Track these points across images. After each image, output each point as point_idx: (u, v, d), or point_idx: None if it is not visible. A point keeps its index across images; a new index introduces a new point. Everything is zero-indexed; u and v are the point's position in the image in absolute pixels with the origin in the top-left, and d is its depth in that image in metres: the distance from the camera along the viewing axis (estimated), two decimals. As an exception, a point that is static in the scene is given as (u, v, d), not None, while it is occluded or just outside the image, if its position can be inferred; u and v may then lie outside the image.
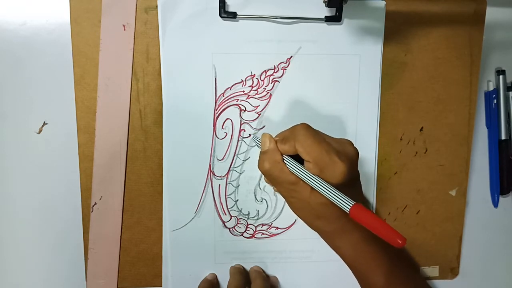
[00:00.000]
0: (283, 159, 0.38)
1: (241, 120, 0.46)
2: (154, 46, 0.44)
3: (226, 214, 0.47)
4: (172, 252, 0.47)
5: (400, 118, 0.48)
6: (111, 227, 0.46)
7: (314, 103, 0.46)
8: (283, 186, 0.38)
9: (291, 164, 0.37)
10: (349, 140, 0.39)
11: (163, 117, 0.45)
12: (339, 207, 0.34)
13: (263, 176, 0.45)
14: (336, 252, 0.40)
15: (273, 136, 0.39)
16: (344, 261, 0.40)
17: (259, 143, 0.40)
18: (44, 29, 0.44)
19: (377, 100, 0.47)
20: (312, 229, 0.40)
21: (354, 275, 0.41)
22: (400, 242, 0.30)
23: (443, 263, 0.51)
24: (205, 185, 0.46)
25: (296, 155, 0.37)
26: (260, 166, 0.39)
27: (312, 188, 0.36)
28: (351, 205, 0.33)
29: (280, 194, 0.40)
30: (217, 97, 0.45)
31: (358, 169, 0.39)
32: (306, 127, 0.37)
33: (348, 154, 0.37)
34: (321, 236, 0.40)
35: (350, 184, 0.37)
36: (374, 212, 0.48)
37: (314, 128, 0.37)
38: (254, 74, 0.45)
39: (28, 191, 0.46)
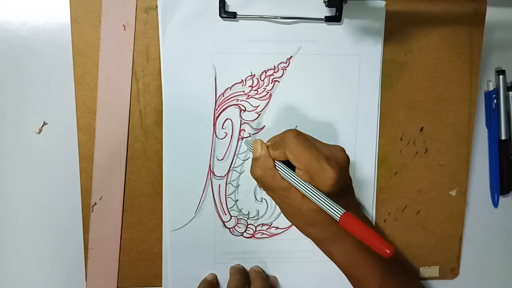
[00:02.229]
0: (275, 165, 0.38)
1: (241, 120, 0.46)
2: (154, 46, 0.44)
3: (226, 214, 0.47)
4: (172, 252, 0.47)
5: (400, 118, 0.48)
6: (111, 227, 0.46)
7: (314, 103, 0.46)
8: (275, 192, 0.38)
9: (283, 170, 0.37)
10: (340, 147, 0.39)
11: (163, 117, 0.45)
12: None
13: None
14: (330, 258, 0.40)
15: (265, 142, 0.39)
16: (338, 267, 0.40)
17: (251, 148, 0.40)
18: (44, 29, 0.44)
19: (377, 100, 0.47)
20: (306, 235, 0.40)
21: (349, 280, 0.41)
22: (388, 252, 0.30)
23: (443, 263, 0.51)
24: (205, 185, 0.46)
25: (288, 160, 0.37)
26: (252, 172, 0.39)
27: (303, 194, 0.36)
28: (341, 214, 0.33)
29: (273, 200, 0.40)
30: (217, 97, 0.45)
31: (355, 172, 0.39)
32: (296, 133, 0.37)
33: (338, 160, 0.37)
34: (315, 243, 0.40)
35: (342, 190, 0.37)
36: (374, 212, 0.48)
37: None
38: (254, 74, 0.45)
39: (28, 191, 0.46)
